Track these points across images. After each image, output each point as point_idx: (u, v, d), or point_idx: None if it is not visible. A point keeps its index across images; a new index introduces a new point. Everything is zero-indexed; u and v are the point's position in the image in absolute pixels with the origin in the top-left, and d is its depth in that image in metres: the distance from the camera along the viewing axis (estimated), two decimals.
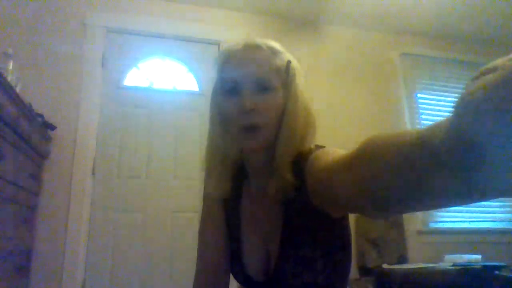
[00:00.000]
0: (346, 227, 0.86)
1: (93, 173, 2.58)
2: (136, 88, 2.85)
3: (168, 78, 2.94)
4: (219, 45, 3.05)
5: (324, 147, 0.84)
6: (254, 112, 0.80)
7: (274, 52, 0.86)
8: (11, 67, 1.97)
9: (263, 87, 0.82)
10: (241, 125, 0.81)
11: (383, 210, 0.55)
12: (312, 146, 0.87)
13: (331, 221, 0.80)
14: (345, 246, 0.84)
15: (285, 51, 0.89)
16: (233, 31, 3.10)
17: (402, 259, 2.75)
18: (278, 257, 0.82)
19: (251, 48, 0.85)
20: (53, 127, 2.43)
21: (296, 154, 0.83)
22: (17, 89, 1.94)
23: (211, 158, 0.92)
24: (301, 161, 0.81)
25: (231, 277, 0.95)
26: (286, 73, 0.86)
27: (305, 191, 0.78)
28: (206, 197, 0.98)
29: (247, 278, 0.88)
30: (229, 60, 0.86)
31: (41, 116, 2.32)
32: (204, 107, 2.90)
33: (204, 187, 0.97)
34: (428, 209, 0.56)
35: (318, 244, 0.80)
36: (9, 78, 1.84)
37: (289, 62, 0.87)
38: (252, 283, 0.88)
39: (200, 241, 0.96)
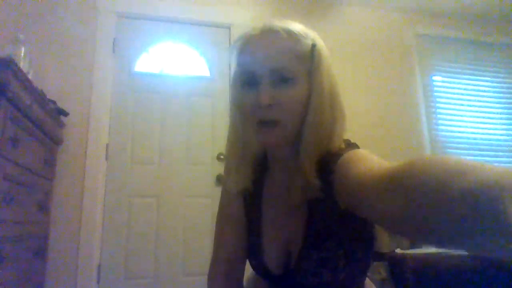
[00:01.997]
0: (371, 224, 0.81)
1: (106, 159, 2.60)
2: (147, 74, 2.84)
3: (179, 63, 2.92)
4: (230, 28, 3.01)
5: (355, 144, 0.79)
6: (273, 107, 0.74)
7: (294, 36, 0.76)
8: (22, 53, 1.98)
9: (282, 78, 0.74)
10: (258, 120, 0.75)
11: (429, 242, 0.46)
12: (342, 143, 0.79)
13: (357, 220, 0.75)
14: (369, 243, 0.81)
15: (309, 34, 0.79)
16: (245, 14, 3.05)
17: (416, 244, 2.73)
18: (299, 256, 0.79)
19: (268, 34, 0.77)
20: (66, 113, 2.44)
21: (323, 152, 0.76)
22: (30, 76, 1.95)
23: (231, 151, 0.87)
24: (330, 162, 0.73)
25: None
26: (310, 60, 0.76)
27: (331, 194, 0.72)
28: (225, 188, 0.95)
29: (266, 271, 0.87)
30: (246, 48, 0.79)
31: (54, 102, 2.33)
32: (216, 92, 2.89)
33: (223, 178, 0.95)
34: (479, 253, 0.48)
35: (341, 244, 0.76)
36: (21, 65, 1.85)
37: (313, 46, 0.77)
38: (270, 276, 0.87)
39: (218, 231, 0.94)
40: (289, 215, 0.84)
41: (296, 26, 0.78)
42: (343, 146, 0.78)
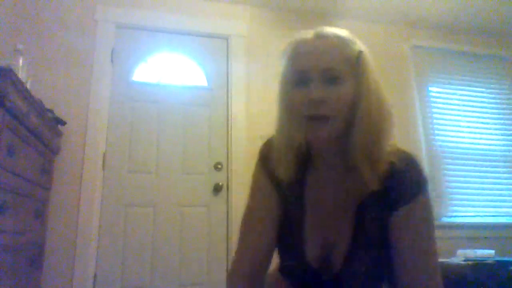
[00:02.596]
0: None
1: (103, 168, 2.59)
2: (145, 84, 2.86)
3: (177, 73, 2.94)
4: (227, 39, 3.04)
5: (407, 152, 0.87)
6: (322, 103, 0.79)
7: (344, 41, 0.84)
8: (21, 63, 1.98)
9: (332, 78, 0.80)
10: (308, 115, 0.80)
11: None
12: (393, 146, 0.86)
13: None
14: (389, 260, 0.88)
15: (356, 41, 0.86)
16: (242, 25, 3.08)
17: None
18: (347, 257, 0.84)
19: (320, 38, 0.84)
20: (63, 122, 2.44)
21: (375, 150, 0.81)
22: (28, 85, 1.95)
23: (280, 144, 0.89)
24: (396, 170, 0.82)
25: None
26: (357, 64, 0.82)
27: (388, 200, 0.82)
28: (256, 182, 0.95)
29: (305, 271, 0.87)
30: (298, 50, 0.85)
31: (52, 111, 2.34)
32: (213, 102, 2.90)
33: (254, 174, 0.96)
34: None
35: (386, 245, 0.83)
36: (19, 74, 1.85)
37: (360, 52, 0.84)
38: (311, 277, 0.87)
39: (245, 229, 0.94)
40: (335, 215, 0.87)
41: (345, 33, 0.86)
42: (404, 155, 0.86)
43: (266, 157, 0.94)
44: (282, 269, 0.95)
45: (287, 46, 0.89)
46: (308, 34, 0.86)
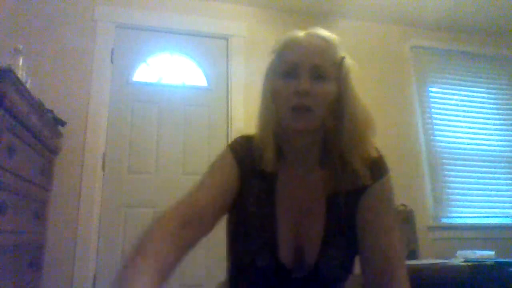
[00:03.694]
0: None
1: (103, 169, 2.59)
2: (145, 84, 2.86)
3: (177, 73, 2.94)
4: (227, 39, 3.04)
5: (382, 157, 0.94)
6: (308, 95, 0.83)
7: (332, 45, 0.90)
8: (21, 63, 1.98)
9: (319, 75, 0.85)
10: (293, 105, 0.84)
11: None
12: (375, 152, 0.91)
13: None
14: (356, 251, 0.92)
15: (342, 47, 0.92)
16: (242, 26, 3.08)
17: (413, 255, 2.73)
18: (319, 253, 0.87)
19: (312, 37, 0.90)
20: (63, 123, 2.44)
21: (364, 148, 0.87)
22: (28, 85, 1.95)
23: (264, 132, 0.92)
24: (373, 167, 0.89)
25: None
26: (340, 67, 0.89)
27: (358, 196, 0.89)
28: (222, 160, 0.94)
29: (278, 268, 0.87)
30: (291, 44, 0.90)
31: (52, 112, 2.34)
32: (213, 102, 2.90)
33: (222, 156, 0.95)
34: None
35: (353, 246, 0.89)
36: (19, 74, 1.85)
37: (343, 57, 0.90)
38: (283, 273, 0.87)
39: (201, 182, 0.91)
40: (306, 212, 0.90)
41: (334, 38, 0.92)
42: (375, 154, 0.91)
43: (239, 147, 0.95)
44: (246, 271, 0.91)
45: (278, 41, 0.94)
46: (301, 32, 0.92)
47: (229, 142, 1.00)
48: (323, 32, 0.91)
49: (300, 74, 0.85)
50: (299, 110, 0.84)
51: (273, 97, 0.90)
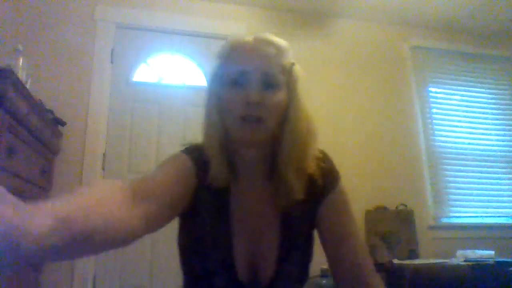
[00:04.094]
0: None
1: (103, 169, 2.59)
2: (145, 84, 2.86)
3: (177, 73, 2.94)
4: (227, 39, 3.04)
5: (329, 157, 0.92)
6: (259, 105, 0.79)
7: (282, 50, 0.85)
8: (21, 63, 1.98)
9: (269, 84, 0.81)
10: (243, 115, 0.79)
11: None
12: (318, 152, 0.89)
13: (312, 239, 0.92)
14: (310, 261, 0.93)
15: (291, 53, 0.87)
16: (242, 26, 3.08)
17: (413, 254, 2.73)
18: (275, 269, 0.85)
19: (261, 43, 0.84)
20: (63, 123, 2.44)
21: (302, 162, 0.85)
22: (28, 85, 1.95)
23: (211, 144, 0.86)
24: (316, 178, 0.87)
25: None
26: (289, 74, 0.85)
27: (313, 208, 0.88)
28: (183, 161, 0.87)
29: (234, 284, 0.84)
30: (237, 51, 0.85)
31: (52, 112, 2.34)
32: None
33: (177, 158, 0.89)
34: None
35: (308, 258, 0.90)
36: (19, 74, 1.85)
37: (292, 64, 0.87)
38: (237, 285, 0.84)
39: (154, 174, 0.82)
40: (260, 226, 0.87)
41: (283, 43, 0.87)
42: (320, 155, 0.89)
43: (198, 156, 0.87)
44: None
45: (223, 46, 0.89)
46: (248, 38, 0.86)
47: (184, 147, 0.94)
48: (272, 37, 0.86)
49: (250, 82, 0.80)
50: (249, 120, 0.79)
51: (219, 107, 0.84)
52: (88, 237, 0.53)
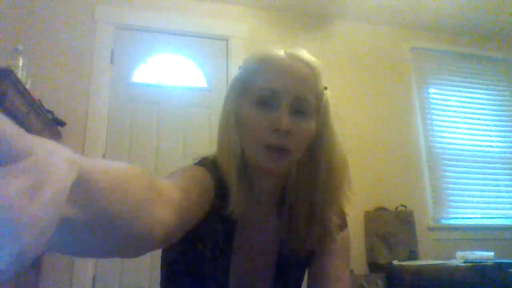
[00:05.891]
0: None
1: None
2: (145, 85, 2.86)
3: (177, 74, 2.94)
4: (227, 40, 3.04)
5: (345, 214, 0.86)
6: (288, 135, 0.69)
7: (316, 72, 0.76)
8: (21, 64, 1.98)
9: (301, 109, 0.72)
10: (269, 144, 0.70)
11: None
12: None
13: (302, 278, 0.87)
14: None
15: (323, 75, 0.78)
16: (242, 26, 3.08)
17: (413, 255, 2.73)
18: None
19: (294, 60, 0.74)
20: (63, 124, 2.44)
21: (327, 212, 0.76)
22: (27, 86, 1.95)
23: (229, 177, 0.74)
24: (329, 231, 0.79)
25: None
26: (320, 100, 0.76)
27: (310, 255, 0.82)
28: (203, 177, 0.73)
29: None
30: (267, 65, 0.75)
31: (51, 112, 2.34)
32: (213, 103, 2.90)
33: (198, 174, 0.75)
34: None
35: None
36: (19, 75, 1.85)
37: (325, 88, 0.78)
38: None
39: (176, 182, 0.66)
40: (258, 260, 0.81)
41: (317, 63, 0.77)
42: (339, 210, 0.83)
43: (217, 176, 0.75)
44: None
45: (251, 56, 0.79)
46: (279, 51, 0.75)
47: (200, 162, 0.84)
48: (306, 55, 0.76)
49: (280, 106, 0.70)
50: (277, 150, 0.70)
51: (239, 126, 0.74)
52: (109, 219, 0.37)
